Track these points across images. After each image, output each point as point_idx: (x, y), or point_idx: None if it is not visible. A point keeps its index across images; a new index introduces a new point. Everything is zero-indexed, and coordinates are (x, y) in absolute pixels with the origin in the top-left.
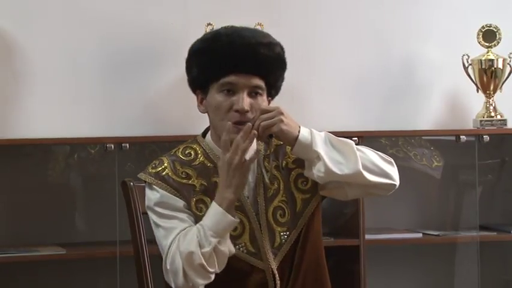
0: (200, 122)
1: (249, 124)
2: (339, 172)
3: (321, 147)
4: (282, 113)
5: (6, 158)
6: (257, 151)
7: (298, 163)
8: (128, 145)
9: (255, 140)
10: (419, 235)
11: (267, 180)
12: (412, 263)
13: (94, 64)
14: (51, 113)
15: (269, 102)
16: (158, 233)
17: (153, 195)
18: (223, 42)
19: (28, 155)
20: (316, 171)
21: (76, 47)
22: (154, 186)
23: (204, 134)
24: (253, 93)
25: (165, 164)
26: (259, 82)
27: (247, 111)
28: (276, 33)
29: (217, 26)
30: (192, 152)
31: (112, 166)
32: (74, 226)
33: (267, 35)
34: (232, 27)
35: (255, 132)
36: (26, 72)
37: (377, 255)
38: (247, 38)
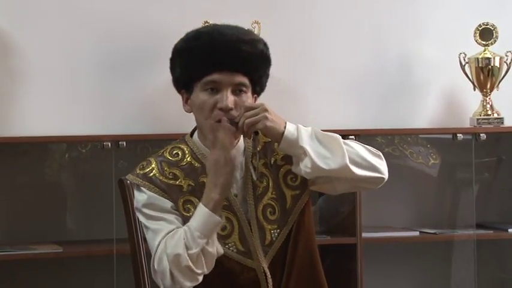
0: None
1: (227, 124)
2: (325, 167)
3: (307, 143)
4: (266, 110)
5: (3, 156)
6: (244, 149)
7: (287, 160)
8: (124, 143)
9: (241, 138)
10: (416, 233)
11: (254, 178)
12: (409, 261)
13: (91, 62)
14: (48, 111)
15: (255, 99)
16: (147, 234)
17: (140, 197)
18: (204, 41)
19: (25, 153)
20: (303, 167)
21: (73, 46)
22: (141, 187)
23: (192, 134)
24: (237, 90)
25: (153, 165)
26: (243, 79)
27: (231, 109)
28: (273, 32)
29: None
30: (179, 153)
31: (109, 164)
32: (70, 224)
33: (249, 32)
34: (213, 25)
35: (233, 128)
36: (22, 70)
37: (374, 254)
38: (228, 36)
